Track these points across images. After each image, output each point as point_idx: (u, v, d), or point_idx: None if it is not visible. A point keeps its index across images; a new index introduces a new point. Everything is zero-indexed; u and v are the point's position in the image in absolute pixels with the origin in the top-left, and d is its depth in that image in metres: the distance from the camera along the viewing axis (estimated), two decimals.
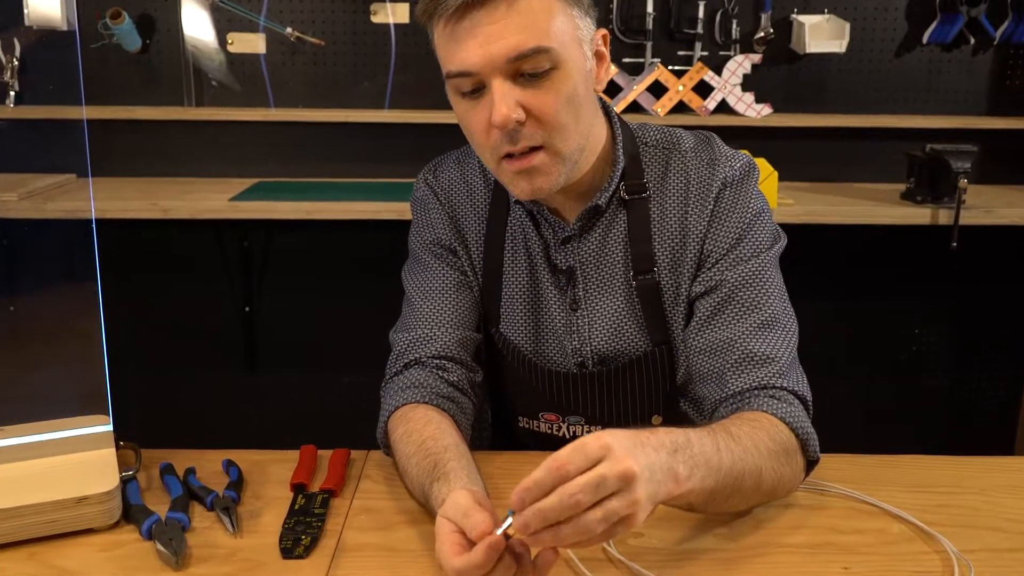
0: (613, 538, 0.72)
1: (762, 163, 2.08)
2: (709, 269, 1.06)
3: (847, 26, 2.26)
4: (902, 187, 2.23)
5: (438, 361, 1.07)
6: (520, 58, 0.92)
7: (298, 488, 1.02)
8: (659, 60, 2.31)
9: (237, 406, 2.53)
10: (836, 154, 2.40)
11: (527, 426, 1.18)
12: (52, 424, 1.05)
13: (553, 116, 0.95)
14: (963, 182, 2.05)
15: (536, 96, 0.94)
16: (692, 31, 2.30)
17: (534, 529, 0.68)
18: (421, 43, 2.29)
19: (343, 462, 1.08)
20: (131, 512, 0.95)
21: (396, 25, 2.29)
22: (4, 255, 2.04)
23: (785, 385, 0.99)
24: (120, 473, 0.99)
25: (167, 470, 1.04)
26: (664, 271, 1.08)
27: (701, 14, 2.28)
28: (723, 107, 2.33)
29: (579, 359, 1.12)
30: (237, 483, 1.02)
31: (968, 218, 2.07)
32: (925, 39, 2.31)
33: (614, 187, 1.07)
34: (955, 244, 2.06)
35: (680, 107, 2.33)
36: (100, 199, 2.08)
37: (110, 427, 1.04)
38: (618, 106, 2.26)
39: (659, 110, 2.30)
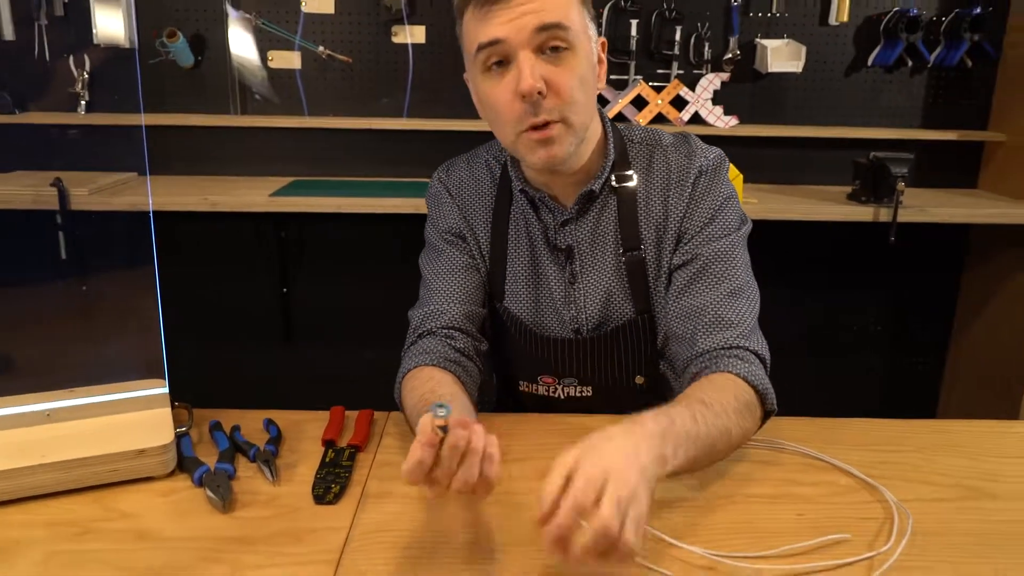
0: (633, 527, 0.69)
1: (730, 168, 2.06)
2: (686, 244, 1.06)
3: (803, 49, 2.24)
4: (848, 189, 2.22)
5: (447, 331, 1.07)
6: (545, 28, 0.92)
7: (328, 443, 1.01)
8: (641, 77, 2.30)
9: (276, 372, 2.53)
10: (793, 160, 2.39)
11: (527, 389, 1.17)
12: (117, 387, 1.04)
13: (569, 92, 0.95)
14: (901, 185, 2.04)
15: (555, 72, 0.94)
16: (670, 52, 2.29)
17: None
18: (435, 61, 2.27)
19: (367, 421, 1.07)
20: (184, 463, 0.95)
21: (414, 45, 2.27)
22: (77, 242, 2.03)
23: (747, 346, 0.99)
24: (175, 429, 0.98)
25: (215, 427, 1.04)
26: (649, 248, 1.07)
27: (678, 37, 2.27)
28: (696, 119, 2.31)
29: (575, 326, 1.11)
30: (276, 439, 1.02)
31: (905, 216, 2.06)
32: (870, 61, 2.30)
33: (606, 175, 1.07)
34: (893, 239, 2.05)
35: (659, 118, 2.31)
36: (158, 194, 2.06)
37: (166, 390, 1.03)
38: None
39: (640, 120, 2.28)
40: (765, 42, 2.26)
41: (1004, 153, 2.31)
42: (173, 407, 1.04)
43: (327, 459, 0.97)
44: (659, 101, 2.29)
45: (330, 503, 0.88)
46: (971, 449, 1.05)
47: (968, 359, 2.47)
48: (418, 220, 1.98)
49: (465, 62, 1.03)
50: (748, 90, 2.33)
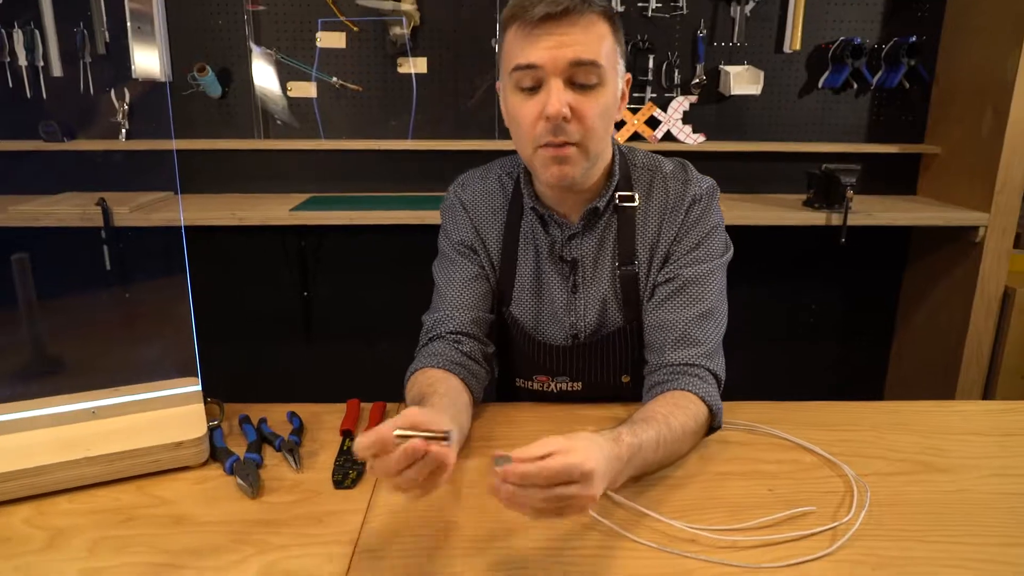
0: (565, 515, 0.70)
1: None
2: (671, 264, 1.03)
3: (761, 74, 2.22)
4: (803, 196, 2.20)
5: (455, 336, 1.04)
6: (579, 64, 0.90)
7: (346, 433, 0.99)
8: None
9: (298, 368, 2.50)
10: (754, 172, 2.37)
11: (523, 385, 1.15)
12: (155, 385, 1.02)
13: (592, 120, 0.93)
14: (850, 193, 2.02)
15: (581, 102, 0.92)
16: (644, 78, 2.26)
17: (509, 479, 0.67)
18: (436, 89, 2.24)
19: (380, 413, 1.05)
20: (217, 453, 0.93)
21: (417, 74, 2.24)
22: (120, 254, 2.00)
23: (708, 366, 0.98)
24: (208, 423, 0.96)
25: (244, 420, 1.01)
26: (642, 265, 1.05)
27: (651, 65, 2.24)
28: (668, 136, 2.29)
29: (574, 332, 1.08)
30: (299, 430, 0.99)
31: (854, 220, 2.04)
32: (820, 84, 2.28)
33: (610, 194, 1.04)
34: (844, 240, 2.04)
35: (635, 136, 2.29)
36: (190, 210, 2.03)
37: (199, 387, 1.01)
38: None
39: (619, 139, 2.26)
40: (728, 68, 2.24)
41: (939, 163, 2.29)
42: (206, 403, 1.02)
43: (345, 447, 0.95)
44: (635, 121, 2.27)
45: (348, 488, 0.86)
46: (919, 427, 1.03)
47: (910, 345, 2.46)
48: (421, 230, 1.98)
49: (499, 70, 1.00)
50: (714, 110, 2.31)
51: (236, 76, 2.23)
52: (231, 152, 2.25)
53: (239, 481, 0.85)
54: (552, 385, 1.12)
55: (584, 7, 0.90)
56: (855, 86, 2.30)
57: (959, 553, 0.75)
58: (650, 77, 2.26)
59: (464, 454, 0.93)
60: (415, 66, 2.23)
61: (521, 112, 0.94)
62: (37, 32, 2.12)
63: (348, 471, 0.89)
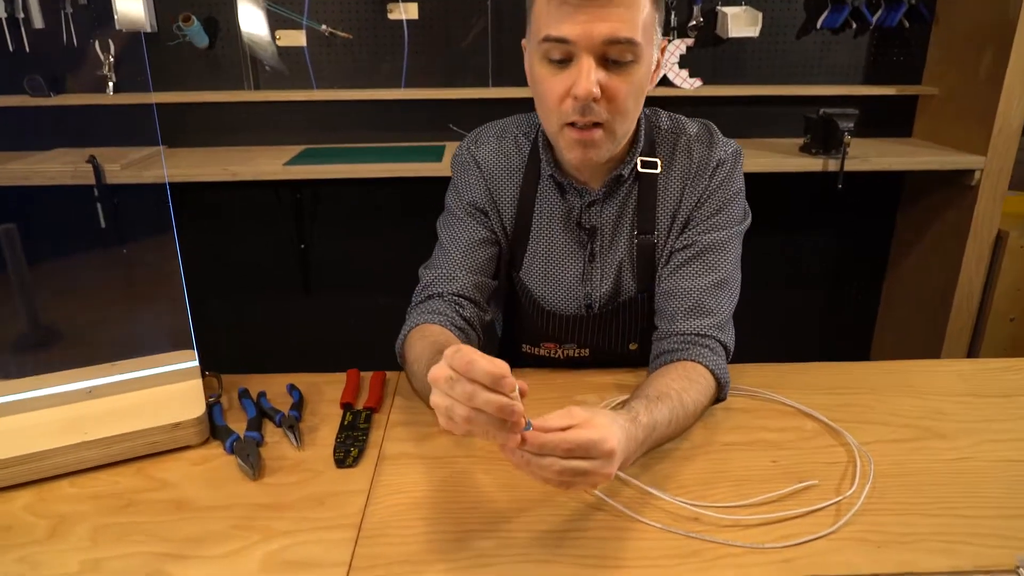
0: (574, 488, 0.69)
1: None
2: (690, 230, 0.98)
3: (760, 15, 2.11)
4: (800, 141, 2.13)
5: (456, 298, 0.98)
6: (613, 42, 0.81)
7: (346, 407, 0.96)
8: None
9: (296, 320, 2.45)
10: (751, 116, 2.28)
11: (529, 351, 1.11)
12: (152, 360, 0.97)
13: (623, 101, 0.85)
14: (847, 138, 1.95)
15: (613, 81, 0.83)
16: None
17: (529, 447, 0.63)
18: (428, 35, 2.13)
19: (380, 383, 1.01)
20: (217, 431, 0.89)
21: (408, 20, 2.12)
22: (114, 213, 1.93)
23: (719, 337, 0.94)
24: (207, 398, 0.92)
25: (244, 394, 0.98)
26: (661, 233, 0.99)
27: None
28: (664, 81, 2.19)
29: (588, 302, 1.04)
30: (298, 404, 0.96)
31: (850, 166, 1.98)
32: (819, 25, 2.17)
33: (634, 161, 0.97)
34: (840, 186, 1.98)
35: None
36: (182, 166, 1.95)
37: (196, 363, 0.97)
38: None
39: None
40: (726, 9, 2.13)
41: (936, 105, 2.21)
42: (204, 376, 0.99)
43: (345, 422, 0.92)
44: None
45: (350, 466, 0.83)
46: (918, 388, 1.01)
47: (901, 288, 2.43)
48: (415, 182, 1.90)
49: (527, 30, 0.90)
50: (711, 54, 2.20)
51: (222, 25, 2.11)
52: (221, 105, 2.15)
53: (240, 462, 0.82)
54: (559, 352, 1.08)
55: None
56: (854, 26, 2.19)
57: (961, 527, 0.73)
58: None
59: None
60: (406, 12, 2.11)
61: (547, 85, 0.86)
62: None
63: (349, 448, 0.86)
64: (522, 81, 0.96)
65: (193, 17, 2.01)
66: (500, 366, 0.60)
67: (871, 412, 0.94)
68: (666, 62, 2.16)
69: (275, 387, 1.01)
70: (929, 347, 2.22)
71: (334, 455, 0.85)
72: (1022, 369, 1.06)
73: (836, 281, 2.52)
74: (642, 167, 0.98)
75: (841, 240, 2.47)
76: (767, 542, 0.71)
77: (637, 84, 0.85)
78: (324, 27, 2.11)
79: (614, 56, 0.83)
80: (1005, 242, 2.05)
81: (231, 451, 0.85)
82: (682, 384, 0.85)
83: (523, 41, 0.93)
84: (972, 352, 2.17)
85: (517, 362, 1.12)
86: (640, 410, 0.76)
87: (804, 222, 2.42)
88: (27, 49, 2.06)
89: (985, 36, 1.97)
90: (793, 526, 0.73)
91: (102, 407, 0.90)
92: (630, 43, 0.82)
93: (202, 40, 2.09)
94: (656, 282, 1.00)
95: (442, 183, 1.10)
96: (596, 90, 0.82)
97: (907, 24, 2.16)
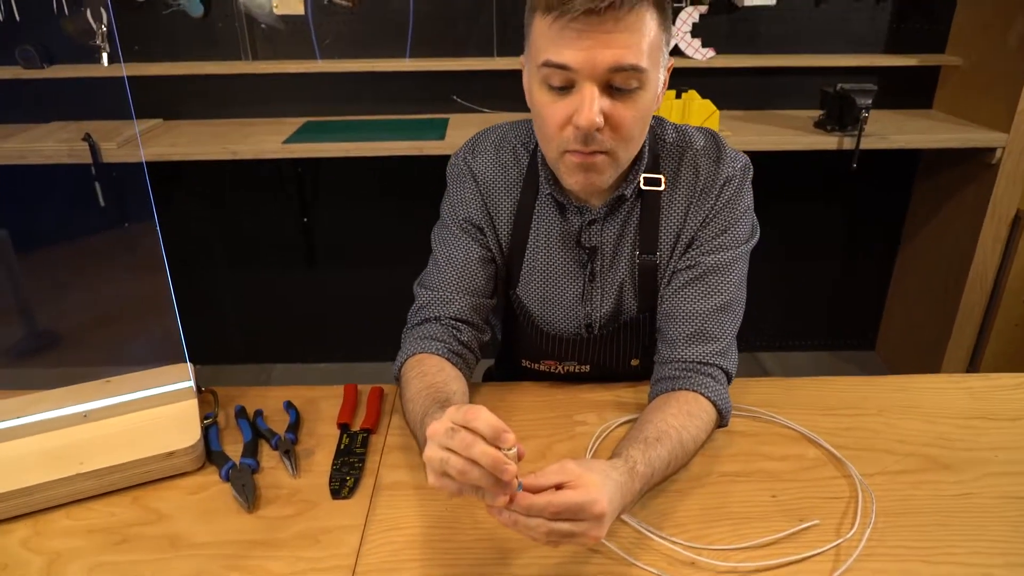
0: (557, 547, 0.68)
1: (706, 103, 1.89)
2: (693, 250, 0.94)
3: None
4: (815, 113, 2.05)
5: (453, 322, 0.96)
6: (618, 70, 0.76)
7: (343, 428, 0.95)
8: None
9: (300, 294, 2.45)
10: (765, 87, 2.20)
11: (529, 366, 1.08)
12: (145, 377, 0.96)
13: (628, 129, 0.81)
14: (865, 116, 1.88)
15: (618, 109, 0.79)
16: None
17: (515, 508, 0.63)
18: (433, 4, 2.05)
19: (378, 399, 1.00)
20: (212, 457, 0.89)
21: None
22: (113, 191, 1.91)
23: (721, 364, 0.91)
24: (203, 420, 0.92)
25: (240, 413, 0.96)
26: (664, 253, 0.95)
27: None
28: (676, 51, 2.11)
29: (588, 322, 1.01)
30: (295, 424, 0.95)
31: (866, 144, 1.91)
32: None
33: (637, 179, 0.93)
34: (855, 165, 1.91)
35: None
36: (182, 143, 1.91)
37: (191, 383, 0.95)
38: None
39: None
40: None
41: (959, 77, 2.12)
42: (200, 392, 0.98)
43: (342, 446, 0.91)
44: None
45: (346, 497, 0.83)
46: (926, 409, 0.99)
47: (913, 266, 2.38)
48: (416, 161, 1.86)
49: (525, 46, 0.84)
50: (725, 23, 2.11)
51: None
52: (219, 77, 2.09)
53: (235, 494, 0.82)
54: (560, 368, 1.05)
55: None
56: None
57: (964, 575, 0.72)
58: None
59: None
60: None
61: (546, 112, 0.81)
62: None
63: (345, 477, 0.85)
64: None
65: None
66: (502, 423, 0.62)
67: (876, 438, 0.92)
68: (678, 31, 2.07)
69: (272, 402, 1.00)
70: (940, 326, 2.19)
71: (329, 484, 0.84)
72: None
73: (846, 255, 2.47)
74: (645, 184, 0.93)
75: (852, 213, 2.41)
76: None
77: (643, 111, 0.81)
78: None
79: (619, 84, 0.78)
80: (1023, 222, 1.99)
81: (227, 479, 0.85)
82: (682, 421, 0.83)
83: (521, 58, 0.88)
84: (983, 332, 2.13)
85: (516, 376, 1.10)
86: (638, 459, 0.75)
87: (814, 194, 2.36)
88: (17, 18, 1.99)
89: (1016, 3, 1.87)
90: (791, 572, 0.72)
91: (97, 432, 0.89)
92: (635, 70, 0.77)
93: (196, 8, 2.02)
94: (658, 302, 0.97)
95: (445, 159, 1.05)
96: (599, 120, 0.78)
97: None
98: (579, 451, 0.90)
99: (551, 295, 1.00)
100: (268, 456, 0.90)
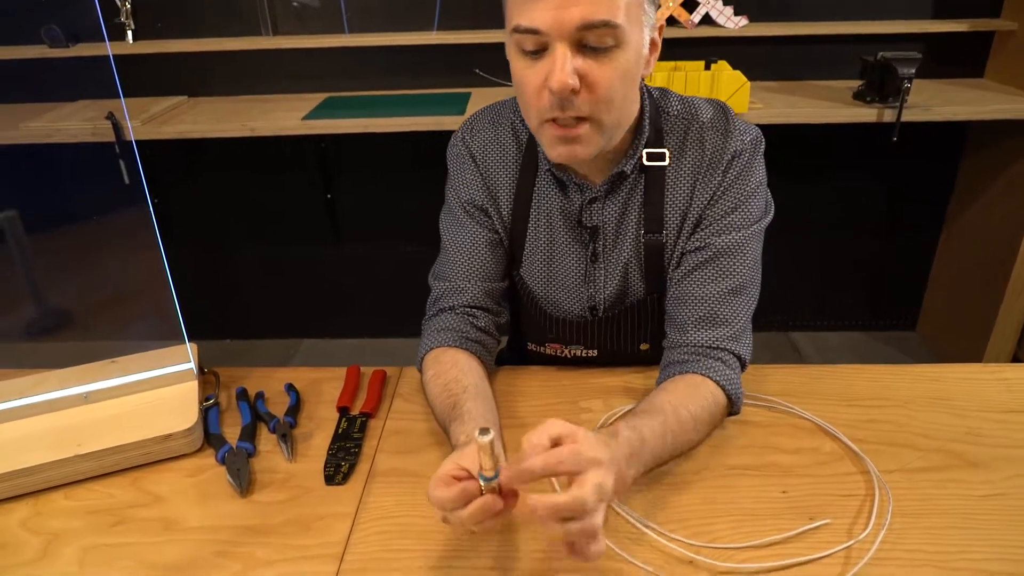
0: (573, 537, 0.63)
1: (736, 74, 1.81)
2: (703, 230, 0.89)
3: None
4: (854, 84, 1.95)
5: (468, 309, 0.94)
6: (589, 27, 0.72)
7: (342, 411, 0.93)
8: None
9: (326, 269, 2.46)
10: (801, 57, 2.10)
11: (535, 349, 1.05)
12: (148, 358, 0.96)
13: (606, 90, 0.76)
14: (906, 86, 1.78)
15: (594, 68, 0.75)
16: None
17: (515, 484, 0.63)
18: None
19: (380, 383, 0.98)
20: (210, 439, 0.88)
21: None
22: (135, 168, 1.92)
23: (733, 348, 0.86)
24: (203, 401, 0.91)
25: (241, 395, 0.96)
26: (670, 233, 0.91)
27: None
28: (707, 19, 2.03)
29: (592, 304, 0.97)
30: (295, 407, 0.94)
31: (908, 116, 1.81)
32: None
33: (639, 154, 0.88)
34: (895, 139, 1.82)
35: (671, 20, 2.03)
36: (202, 121, 1.91)
37: (191, 365, 0.95)
38: None
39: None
40: None
41: (1014, 43, 1.99)
42: (202, 373, 0.97)
43: (340, 430, 0.90)
44: (671, 3, 2.00)
45: (339, 484, 0.81)
46: (956, 400, 0.93)
47: (959, 242, 2.27)
48: (437, 136, 1.82)
49: (504, 21, 0.81)
50: None
51: None
52: (239, 53, 2.08)
53: (229, 478, 0.81)
54: (566, 352, 1.02)
55: None
56: None
57: None
58: None
59: None
60: None
61: (523, 78, 0.78)
62: None
63: (340, 463, 0.84)
64: None
65: None
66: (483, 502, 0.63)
67: (899, 432, 0.87)
68: None
69: (274, 385, 0.99)
70: (986, 309, 2.09)
71: (324, 470, 0.83)
72: None
73: (886, 233, 2.37)
74: (648, 159, 0.89)
75: (894, 189, 2.30)
76: None
77: (622, 70, 0.76)
78: None
79: (592, 42, 0.74)
80: None
81: (222, 462, 0.84)
82: (679, 399, 0.80)
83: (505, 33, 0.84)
84: None
85: (523, 360, 1.07)
86: (620, 427, 0.71)
87: (851, 169, 2.26)
88: None
89: None
90: (796, 574, 0.68)
91: (97, 413, 0.89)
92: (608, 25, 0.72)
93: None
94: (667, 285, 0.93)
95: None
96: (573, 81, 0.74)
97: None
98: None
99: (554, 275, 0.97)
100: (266, 439, 0.90)
